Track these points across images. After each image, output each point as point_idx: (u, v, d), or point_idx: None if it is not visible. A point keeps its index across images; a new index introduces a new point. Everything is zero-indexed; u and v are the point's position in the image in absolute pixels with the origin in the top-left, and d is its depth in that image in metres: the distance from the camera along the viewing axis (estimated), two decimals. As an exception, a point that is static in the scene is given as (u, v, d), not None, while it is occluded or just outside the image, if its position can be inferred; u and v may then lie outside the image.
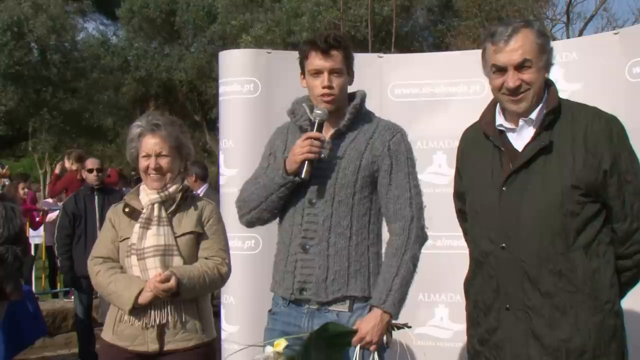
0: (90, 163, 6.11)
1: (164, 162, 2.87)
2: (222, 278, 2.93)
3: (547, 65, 2.32)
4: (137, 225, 2.85)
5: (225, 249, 2.98)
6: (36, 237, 9.17)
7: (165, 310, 2.79)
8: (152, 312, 2.78)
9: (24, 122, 17.36)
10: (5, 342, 5.18)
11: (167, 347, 2.80)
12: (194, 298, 2.85)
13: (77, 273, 5.64)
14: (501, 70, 2.29)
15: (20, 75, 16.41)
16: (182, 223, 2.89)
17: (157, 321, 2.78)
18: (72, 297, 7.55)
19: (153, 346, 2.79)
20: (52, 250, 7.74)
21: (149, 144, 2.86)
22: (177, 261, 2.82)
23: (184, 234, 2.86)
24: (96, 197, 5.90)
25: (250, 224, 2.74)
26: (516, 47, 2.26)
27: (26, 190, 9.28)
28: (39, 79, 16.98)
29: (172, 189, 2.89)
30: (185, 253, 2.85)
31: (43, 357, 6.56)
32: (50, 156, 18.85)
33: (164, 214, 2.86)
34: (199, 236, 2.90)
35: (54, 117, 16.96)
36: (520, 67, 2.27)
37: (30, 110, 16.93)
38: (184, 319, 2.81)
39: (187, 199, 2.94)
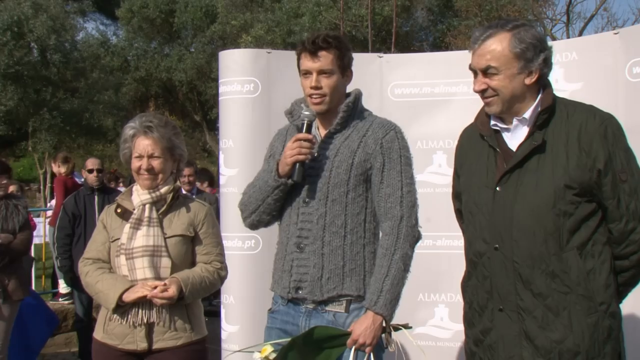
0: (90, 163, 6.10)
1: (156, 163, 2.89)
2: (221, 281, 3.00)
3: (525, 70, 2.26)
4: (127, 226, 2.87)
5: (222, 252, 3.04)
6: (35, 237, 9.16)
7: (154, 309, 2.81)
8: (140, 311, 2.80)
9: (24, 122, 17.35)
10: (20, 343, 5.12)
11: (156, 346, 2.83)
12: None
13: (76, 273, 5.63)
14: (476, 72, 2.31)
15: (20, 75, 16.41)
16: (173, 224, 2.91)
17: (145, 320, 2.80)
18: (60, 299, 7.58)
19: (142, 344, 2.82)
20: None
21: (142, 145, 2.88)
22: (165, 262, 2.84)
23: (173, 236, 2.88)
24: (96, 197, 5.90)
25: (253, 226, 2.76)
26: (484, 53, 2.26)
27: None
28: (39, 79, 16.98)
29: (163, 189, 2.91)
30: (174, 254, 2.86)
31: (43, 357, 6.56)
32: (50, 156, 18.81)
33: (154, 214, 2.88)
34: (189, 240, 2.92)
35: (54, 117, 16.95)
36: (485, 72, 2.28)
37: (30, 110, 16.93)
38: (172, 318, 2.83)
39: (178, 200, 2.96)
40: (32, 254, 8.47)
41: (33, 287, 8.03)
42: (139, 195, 2.91)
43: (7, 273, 4.57)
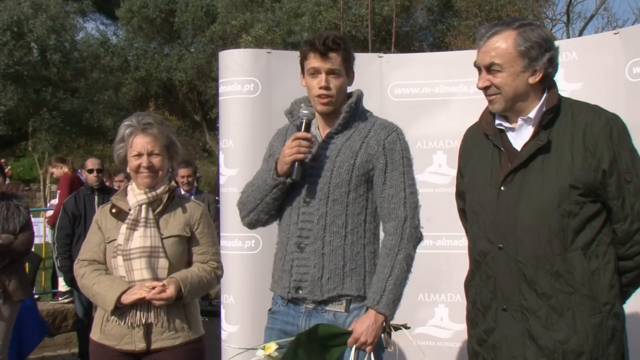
0: (90, 163, 6.12)
1: (156, 160, 2.88)
2: (217, 280, 3.02)
3: (529, 69, 2.26)
4: (123, 227, 2.86)
5: (218, 251, 3.05)
6: (35, 237, 9.14)
7: (152, 310, 2.80)
8: (138, 312, 2.80)
9: (24, 122, 17.35)
10: (16, 345, 5.12)
11: (154, 346, 2.83)
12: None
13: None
14: (480, 69, 2.31)
15: (20, 75, 16.41)
16: (169, 225, 2.90)
17: (144, 321, 2.80)
18: (60, 298, 7.59)
19: (140, 345, 2.82)
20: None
21: (141, 143, 2.87)
22: (162, 263, 2.84)
23: (170, 237, 2.88)
24: (96, 197, 5.91)
25: (251, 225, 2.76)
26: (489, 49, 2.27)
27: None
28: (39, 79, 16.99)
29: (159, 189, 2.91)
30: (171, 255, 2.86)
31: (43, 357, 6.56)
32: (50, 156, 18.78)
33: (151, 215, 2.88)
34: (186, 240, 2.92)
35: (54, 117, 16.95)
36: (488, 69, 2.28)
37: (30, 110, 16.93)
38: (170, 318, 2.83)
39: (174, 200, 2.96)
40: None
41: (33, 288, 8.04)
42: (135, 196, 2.90)
43: (7, 273, 4.57)
